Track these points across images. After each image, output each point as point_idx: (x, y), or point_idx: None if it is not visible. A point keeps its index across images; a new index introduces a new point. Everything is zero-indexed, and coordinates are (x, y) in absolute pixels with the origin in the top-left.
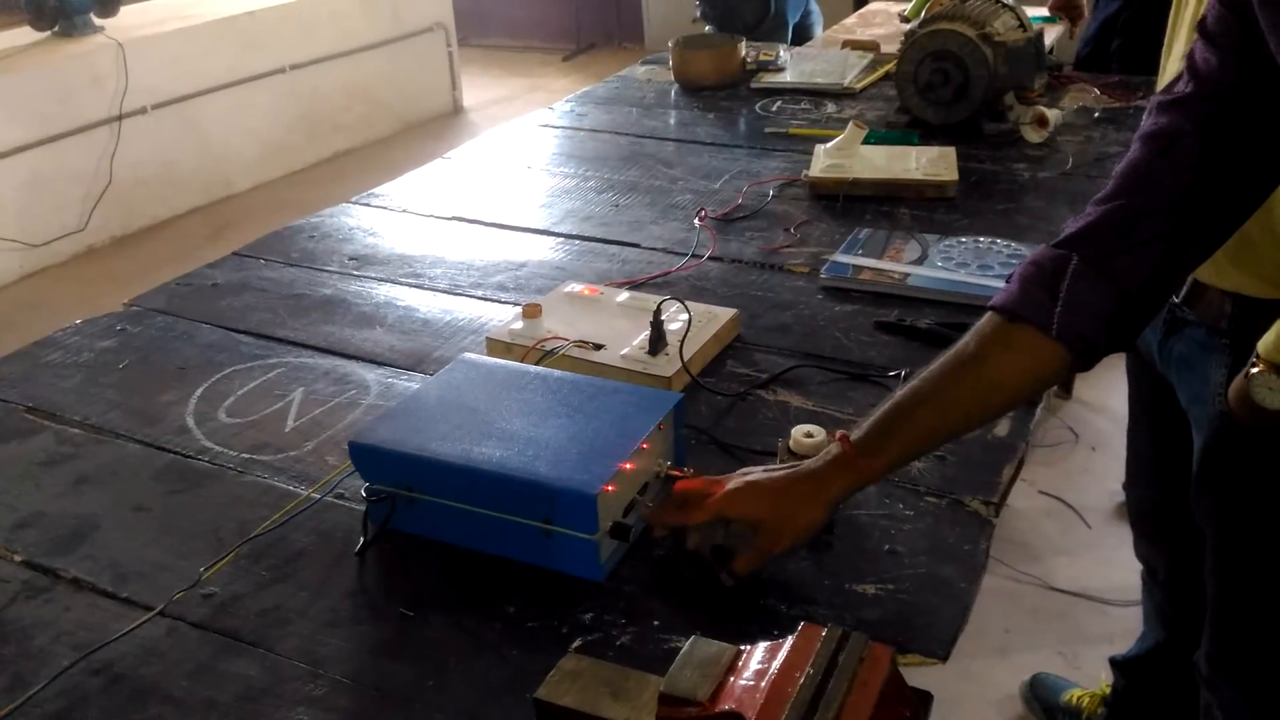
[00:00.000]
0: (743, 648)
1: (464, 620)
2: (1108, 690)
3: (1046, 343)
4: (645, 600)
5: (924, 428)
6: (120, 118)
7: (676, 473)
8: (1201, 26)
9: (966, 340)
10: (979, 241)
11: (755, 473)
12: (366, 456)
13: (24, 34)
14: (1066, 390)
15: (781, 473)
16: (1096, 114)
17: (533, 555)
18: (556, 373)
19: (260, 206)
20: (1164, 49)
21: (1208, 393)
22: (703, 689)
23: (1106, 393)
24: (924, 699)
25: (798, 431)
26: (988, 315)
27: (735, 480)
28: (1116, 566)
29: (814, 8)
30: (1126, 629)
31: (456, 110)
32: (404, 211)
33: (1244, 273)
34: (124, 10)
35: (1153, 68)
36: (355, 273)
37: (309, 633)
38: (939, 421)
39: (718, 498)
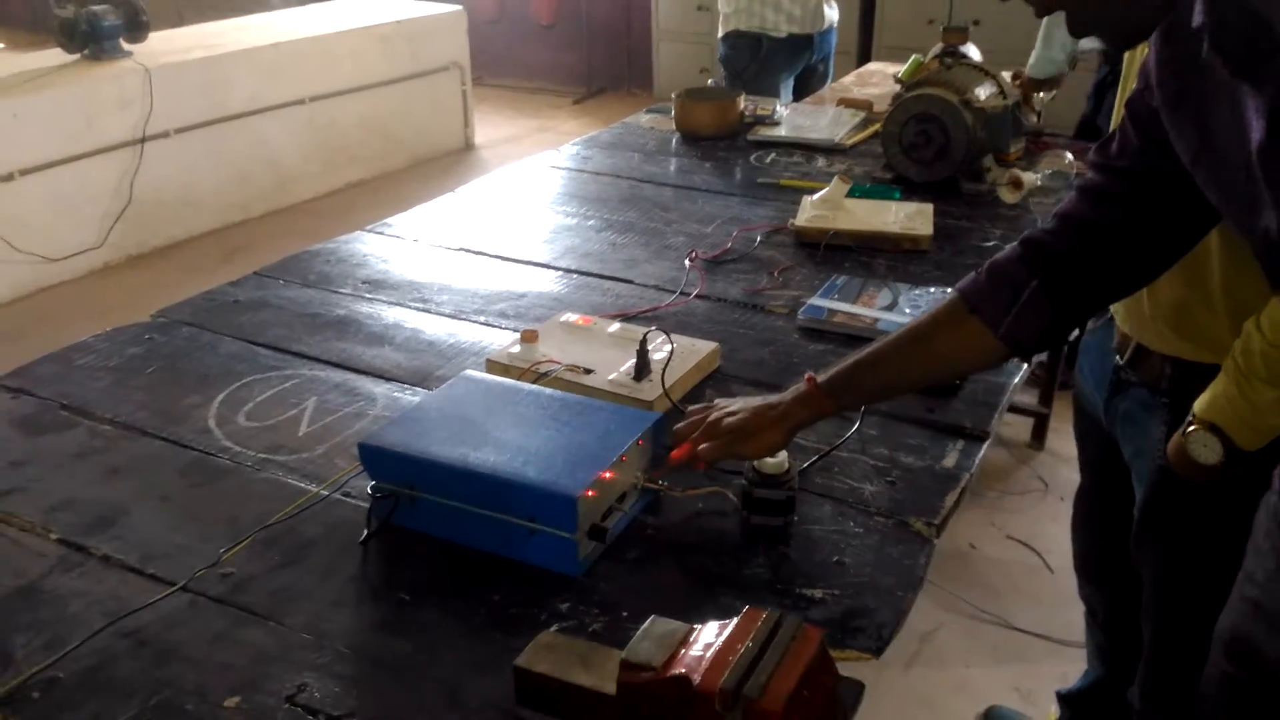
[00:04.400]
0: (695, 626)
1: (454, 605)
2: None
3: (991, 339)
4: (617, 595)
5: (879, 383)
6: (143, 140)
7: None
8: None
9: (923, 319)
10: (946, 292)
11: (737, 403)
12: (374, 457)
13: (55, 55)
14: (1039, 442)
15: (758, 402)
16: (1071, 179)
17: (517, 551)
18: (548, 390)
19: (273, 232)
20: (1114, 115)
21: (1149, 448)
22: (657, 657)
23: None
24: (856, 689)
25: None
26: (952, 296)
27: (723, 406)
28: (1075, 610)
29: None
30: (1080, 668)
31: (468, 147)
32: (415, 241)
33: (1183, 340)
34: (153, 36)
35: None
36: (367, 295)
37: (316, 610)
38: (892, 380)
39: (715, 417)
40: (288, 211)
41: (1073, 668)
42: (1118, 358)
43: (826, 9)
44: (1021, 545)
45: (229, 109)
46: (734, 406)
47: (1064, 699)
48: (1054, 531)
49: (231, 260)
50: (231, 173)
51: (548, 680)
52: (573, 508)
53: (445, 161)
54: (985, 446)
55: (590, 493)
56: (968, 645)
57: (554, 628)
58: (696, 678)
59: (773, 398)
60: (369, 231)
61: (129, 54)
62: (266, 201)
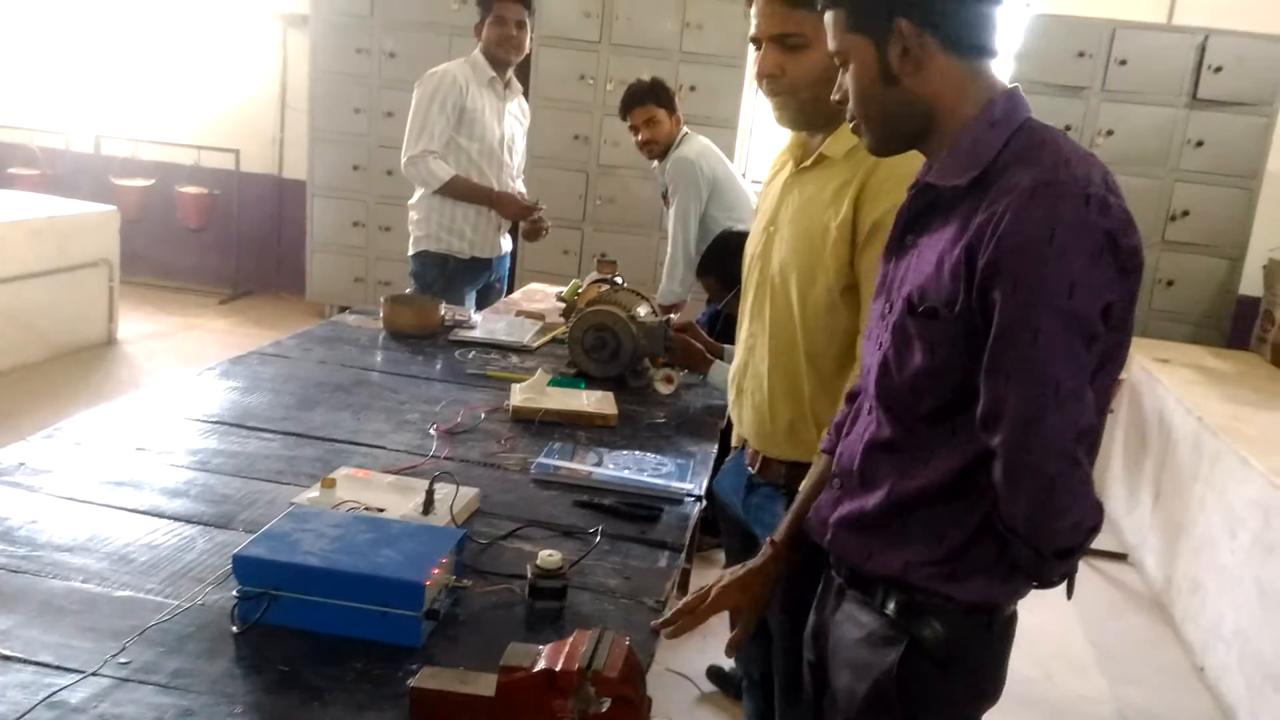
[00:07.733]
0: (541, 646)
1: (328, 672)
2: None
3: None
4: (451, 658)
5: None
6: None
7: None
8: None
9: (814, 476)
10: (634, 454)
11: (725, 576)
12: (246, 566)
13: None
14: (684, 590)
15: (741, 572)
16: (703, 377)
17: (369, 631)
18: (374, 516)
19: None
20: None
21: (776, 522)
22: (526, 661)
23: None
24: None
25: (543, 554)
26: (822, 455)
27: (717, 586)
28: (723, 715)
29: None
30: None
31: (111, 342)
32: (171, 416)
33: (793, 448)
34: None
35: None
36: (143, 461)
37: (213, 682)
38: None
39: (711, 602)
40: None
41: None
42: (750, 469)
43: (502, 240)
44: (676, 674)
45: None
46: (725, 580)
47: None
48: (700, 660)
49: None
50: None
51: (440, 694)
52: (420, 592)
53: (86, 355)
54: (683, 554)
55: (428, 582)
56: None
57: (412, 679)
58: (558, 667)
59: (744, 566)
60: (111, 405)
61: None
62: None
